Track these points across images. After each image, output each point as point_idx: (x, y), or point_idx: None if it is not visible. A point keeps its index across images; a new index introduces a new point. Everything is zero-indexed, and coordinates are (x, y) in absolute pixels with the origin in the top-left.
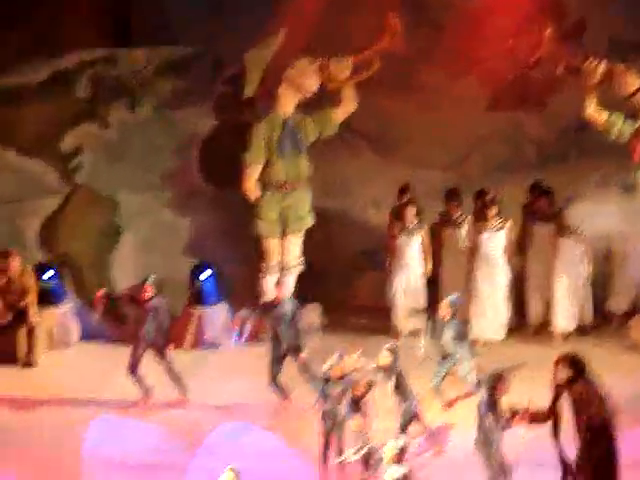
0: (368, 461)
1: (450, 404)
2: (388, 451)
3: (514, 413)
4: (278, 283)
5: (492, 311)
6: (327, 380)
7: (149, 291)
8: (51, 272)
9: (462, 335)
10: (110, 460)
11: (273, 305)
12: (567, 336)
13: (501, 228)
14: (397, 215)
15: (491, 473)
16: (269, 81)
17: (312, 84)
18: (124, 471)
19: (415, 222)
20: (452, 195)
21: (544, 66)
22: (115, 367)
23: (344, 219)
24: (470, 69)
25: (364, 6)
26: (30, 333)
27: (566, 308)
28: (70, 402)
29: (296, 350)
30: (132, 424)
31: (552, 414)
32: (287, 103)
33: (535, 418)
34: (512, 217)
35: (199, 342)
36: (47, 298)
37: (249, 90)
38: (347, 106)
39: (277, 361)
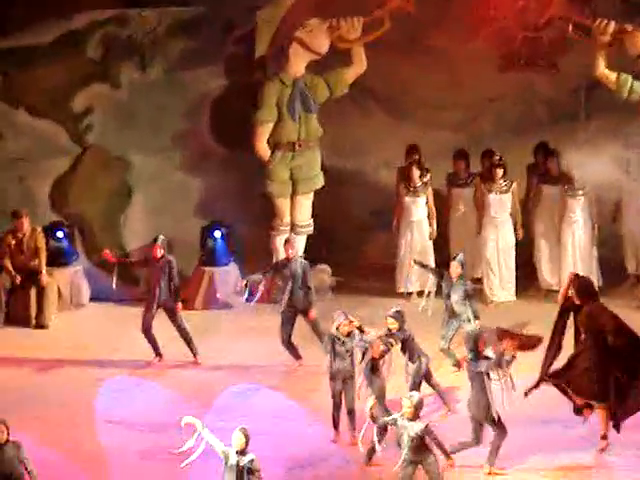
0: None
1: (459, 364)
2: (404, 408)
3: (503, 336)
4: (287, 242)
5: (500, 272)
6: (335, 339)
7: (160, 250)
8: (61, 232)
9: (470, 295)
10: (122, 420)
11: (284, 264)
12: None
13: (507, 190)
14: (403, 176)
15: (492, 430)
16: (280, 41)
17: (323, 44)
18: (136, 431)
19: (420, 183)
20: (460, 156)
21: (554, 27)
22: (126, 328)
23: (355, 180)
24: (480, 30)
25: None
26: (41, 294)
27: (572, 269)
28: (82, 363)
29: (306, 309)
30: (144, 384)
31: (554, 336)
32: (298, 63)
33: (525, 344)
34: (520, 178)
35: (210, 302)
36: (58, 259)
37: (260, 50)
38: (358, 66)
39: (288, 321)
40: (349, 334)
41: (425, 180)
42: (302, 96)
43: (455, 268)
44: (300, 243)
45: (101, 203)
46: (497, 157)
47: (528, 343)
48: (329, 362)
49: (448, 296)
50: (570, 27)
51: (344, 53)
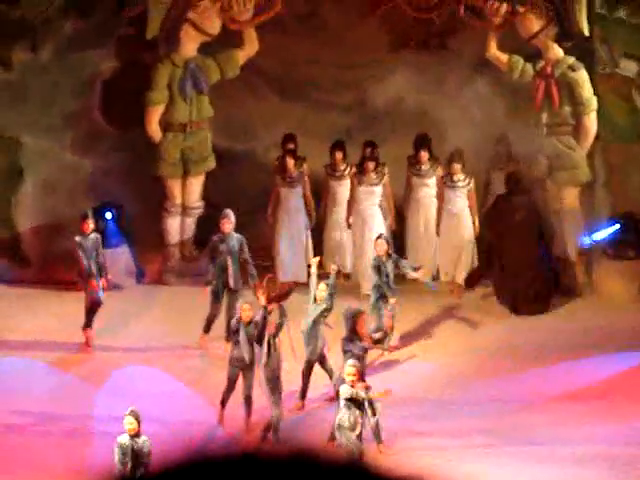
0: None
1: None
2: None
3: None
4: (225, 217)
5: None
6: (240, 324)
7: (90, 225)
8: None
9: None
10: (14, 403)
11: (221, 239)
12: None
13: (378, 183)
14: (279, 166)
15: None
16: (171, 22)
17: (214, 25)
18: (28, 415)
19: (296, 172)
20: (337, 147)
21: (446, 8)
22: (18, 310)
23: (247, 161)
24: (374, 10)
25: None
26: None
27: (449, 260)
28: None
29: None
30: (36, 366)
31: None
32: (189, 44)
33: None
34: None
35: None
36: None
37: (151, 31)
38: (249, 48)
39: (218, 299)
40: (250, 322)
41: (301, 170)
42: (193, 77)
43: (381, 246)
44: (191, 224)
45: None
46: (369, 149)
47: (282, 293)
48: (230, 348)
49: (387, 275)
50: (461, 8)
51: (235, 34)
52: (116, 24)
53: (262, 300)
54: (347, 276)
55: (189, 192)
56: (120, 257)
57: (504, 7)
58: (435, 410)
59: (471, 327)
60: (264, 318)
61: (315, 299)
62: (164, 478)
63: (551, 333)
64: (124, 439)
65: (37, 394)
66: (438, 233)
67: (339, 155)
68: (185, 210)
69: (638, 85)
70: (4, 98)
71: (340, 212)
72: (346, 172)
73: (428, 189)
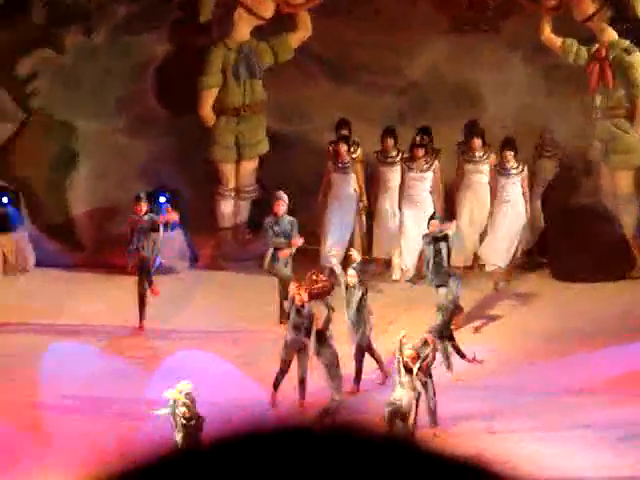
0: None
1: None
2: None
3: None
4: (277, 199)
5: (411, 244)
6: (292, 308)
7: (144, 208)
8: (6, 198)
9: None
10: (66, 387)
11: (275, 221)
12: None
13: (428, 169)
14: (332, 151)
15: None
16: (224, 5)
17: (267, 9)
18: (80, 399)
19: (348, 159)
20: (387, 133)
21: None
22: (71, 294)
23: (301, 144)
24: None
25: None
26: None
27: (502, 247)
28: (25, 328)
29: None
30: (90, 351)
31: None
32: (243, 28)
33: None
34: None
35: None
36: (3, 224)
37: (204, 14)
38: (302, 32)
39: (274, 256)
40: (303, 304)
41: (355, 156)
42: (247, 61)
43: (435, 226)
44: (245, 208)
45: (46, 168)
46: (419, 136)
47: (324, 289)
48: (285, 330)
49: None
50: None
51: (289, 18)
52: (169, 8)
53: (304, 297)
54: (389, 262)
55: (243, 175)
56: (174, 241)
57: None
58: (485, 394)
59: (521, 311)
60: (310, 314)
61: (347, 286)
62: (215, 450)
63: (601, 316)
64: (179, 417)
65: (89, 378)
66: (491, 221)
67: (390, 141)
68: (239, 194)
69: None
70: (57, 82)
71: (391, 198)
72: (397, 158)
73: (481, 176)
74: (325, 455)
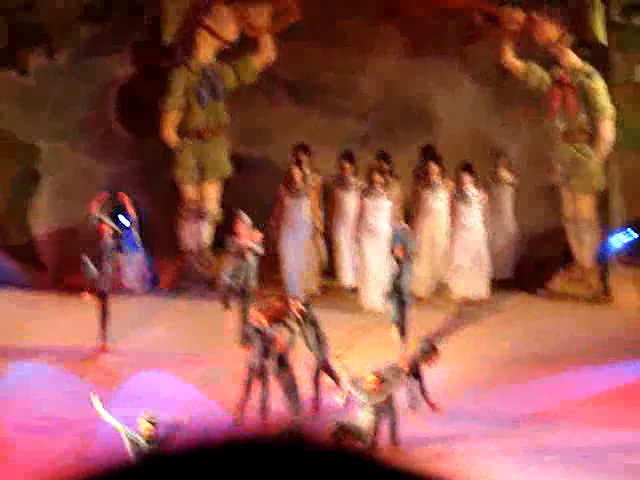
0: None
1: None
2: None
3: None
4: (240, 220)
5: (374, 276)
6: (249, 331)
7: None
8: None
9: None
10: (26, 407)
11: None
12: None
13: (386, 196)
14: (286, 176)
15: None
16: (188, 28)
17: (231, 32)
18: (41, 419)
19: (303, 185)
20: (345, 157)
21: (463, 15)
22: (32, 315)
23: (264, 167)
24: (391, 16)
25: None
26: None
27: (465, 274)
28: None
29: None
30: (50, 373)
31: None
32: (206, 50)
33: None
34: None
35: (117, 288)
36: None
37: (167, 37)
38: (266, 54)
39: (228, 291)
40: (264, 327)
41: (309, 183)
42: (210, 84)
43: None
44: (207, 231)
45: (8, 188)
46: (378, 161)
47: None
48: (249, 355)
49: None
50: (478, 16)
51: (253, 40)
52: (132, 30)
53: (263, 321)
54: (354, 290)
55: (205, 198)
56: (134, 262)
57: (520, 14)
58: (447, 416)
59: (484, 335)
60: (271, 338)
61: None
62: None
63: (565, 340)
64: (138, 438)
65: (50, 399)
66: (451, 249)
67: (347, 165)
68: (201, 216)
69: None
70: (20, 103)
71: (348, 226)
72: (355, 184)
73: (439, 202)
74: (277, 464)
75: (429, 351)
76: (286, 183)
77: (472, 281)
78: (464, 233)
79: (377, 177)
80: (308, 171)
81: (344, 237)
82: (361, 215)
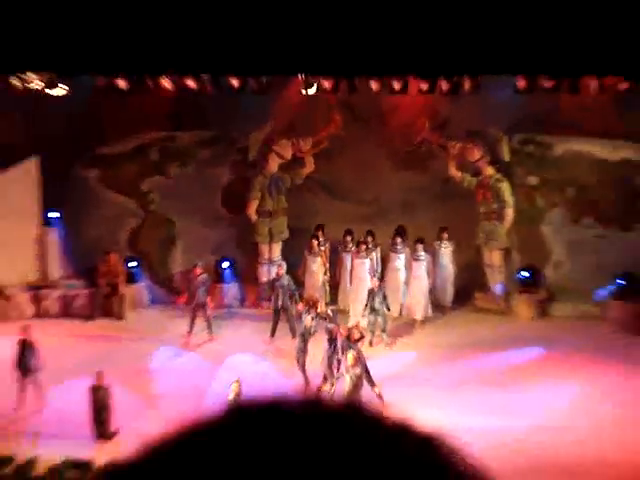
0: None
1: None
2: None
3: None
4: (279, 267)
5: (353, 306)
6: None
7: (199, 271)
8: (135, 262)
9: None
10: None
11: (277, 279)
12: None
13: (366, 257)
14: (309, 244)
15: None
16: (263, 151)
17: (288, 154)
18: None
19: (318, 249)
20: (347, 232)
21: (425, 144)
22: (170, 321)
23: (307, 235)
24: (383, 146)
25: (320, 107)
26: (120, 299)
27: (417, 304)
28: (144, 339)
29: (288, 307)
30: (184, 354)
31: None
32: (273, 164)
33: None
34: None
35: (221, 305)
36: (131, 278)
37: (251, 156)
38: (308, 167)
39: (276, 315)
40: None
41: (322, 248)
42: (276, 184)
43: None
44: (274, 271)
45: (156, 245)
46: (364, 236)
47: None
48: (297, 344)
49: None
50: (434, 145)
51: (301, 158)
52: (230, 152)
53: (312, 312)
54: (343, 311)
55: (272, 252)
56: (232, 289)
57: (459, 145)
58: (412, 382)
59: (435, 333)
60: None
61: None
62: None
63: (483, 336)
64: (231, 397)
65: (178, 369)
66: (408, 289)
67: (348, 237)
68: (270, 262)
69: (537, 190)
70: (165, 195)
71: (346, 273)
72: (351, 249)
73: (400, 261)
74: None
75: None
76: (308, 248)
77: (420, 307)
78: (416, 280)
79: (362, 247)
80: (322, 239)
81: (344, 281)
82: (352, 267)
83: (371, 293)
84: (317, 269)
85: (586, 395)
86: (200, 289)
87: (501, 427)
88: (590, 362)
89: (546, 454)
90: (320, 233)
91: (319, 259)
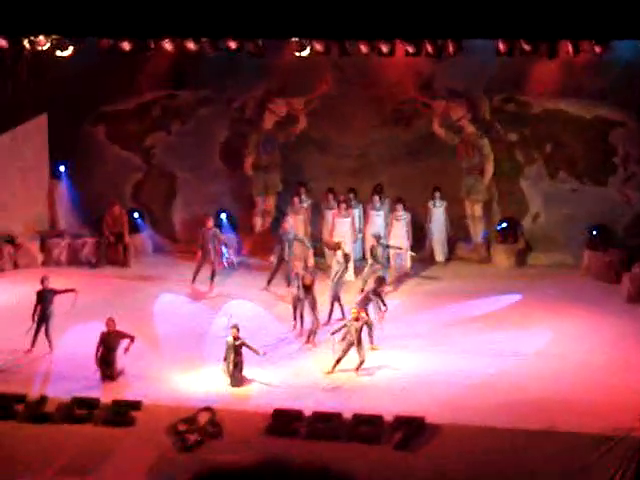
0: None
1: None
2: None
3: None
4: (284, 220)
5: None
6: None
7: (210, 224)
8: (137, 213)
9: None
10: (165, 321)
11: (283, 233)
12: None
13: (347, 216)
14: (292, 200)
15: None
16: (259, 109)
17: (283, 111)
18: (172, 329)
19: (299, 206)
20: (328, 191)
21: (411, 102)
22: (171, 269)
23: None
24: (371, 103)
25: (312, 69)
26: (125, 248)
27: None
28: (148, 284)
29: (290, 259)
30: (185, 299)
31: None
32: (269, 122)
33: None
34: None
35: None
36: (135, 228)
37: (248, 114)
38: (301, 124)
39: (278, 264)
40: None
41: (304, 205)
42: (270, 141)
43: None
44: (269, 222)
45: (161, 197)
46: (346, 194)
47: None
48: (293, 292)
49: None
50: (419, 103)
51: (295, 115)
52: (228, 111)
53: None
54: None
55: (267, 204)
56: (230, 239)
57: (442, 103)
58: (399, 324)
59: (424, 282)
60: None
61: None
62: None
63: (466, 282)
64: (230, 340)
65: (179, 314)
66: (387, 240)
67: (330, 195)
68: (265, 213)
69: (516, 147)
70: (167, 150)
71: (327, 228)
72: (332, 206)
73: (379, 218)
74: None
75: (381, 281)
76: (290, 205)
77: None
78: (395, 239)
79: (342, 206)
80: (303, 196)
81: (326, 234)
82: (333, 223)
83: (372, 249)
84: (298, 225)
85: (558, 339)
86: (211, 243)
87: (477, 367)
88: (563, 308)
89: (517, 392)
90: (303, 190)
91: (301, 217)
